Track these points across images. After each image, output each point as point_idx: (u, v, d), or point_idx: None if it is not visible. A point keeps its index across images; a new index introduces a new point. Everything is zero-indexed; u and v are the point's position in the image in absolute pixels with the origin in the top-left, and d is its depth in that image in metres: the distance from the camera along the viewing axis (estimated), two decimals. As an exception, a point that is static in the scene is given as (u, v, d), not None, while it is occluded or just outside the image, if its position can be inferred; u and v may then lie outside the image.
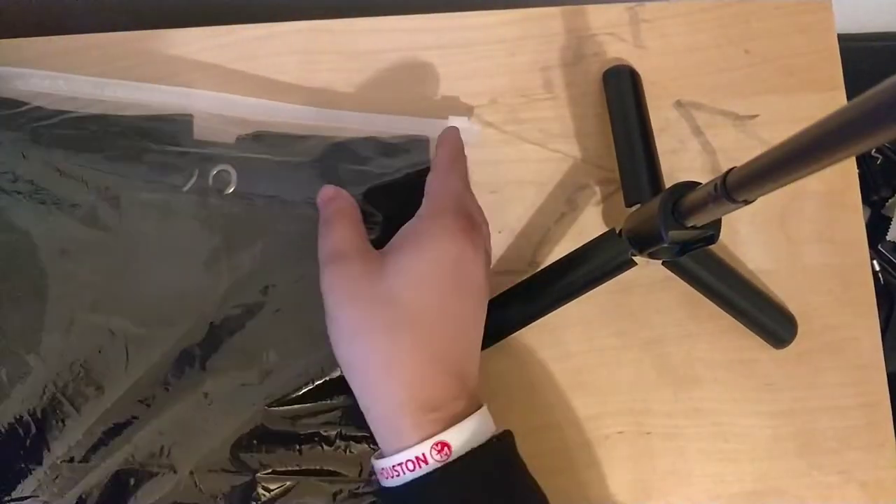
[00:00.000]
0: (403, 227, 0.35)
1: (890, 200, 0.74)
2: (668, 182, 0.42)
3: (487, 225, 0.38)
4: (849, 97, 0.47)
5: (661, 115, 0.46)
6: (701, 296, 0.43)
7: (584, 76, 0.46)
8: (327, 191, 0.37)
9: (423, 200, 0.36)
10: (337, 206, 0.36)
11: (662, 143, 0.44)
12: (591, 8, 0.46)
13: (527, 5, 0.46)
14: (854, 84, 0.46)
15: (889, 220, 0.74)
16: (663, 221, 0.33)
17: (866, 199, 0.75)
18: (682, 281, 0.42)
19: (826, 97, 0.46)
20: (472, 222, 0.35)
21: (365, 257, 0.34)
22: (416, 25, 0.46)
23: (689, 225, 0.33)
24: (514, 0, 0.48)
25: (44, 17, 0.52)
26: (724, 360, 0.44)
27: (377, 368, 0.32)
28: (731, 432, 0.43)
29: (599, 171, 0.45)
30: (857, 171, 0.46)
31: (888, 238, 0.74)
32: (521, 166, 0.45)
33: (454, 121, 0.42)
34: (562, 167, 0.45)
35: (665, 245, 0.34)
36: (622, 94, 0.44)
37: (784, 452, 0.43)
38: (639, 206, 0.39)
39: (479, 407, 0.33)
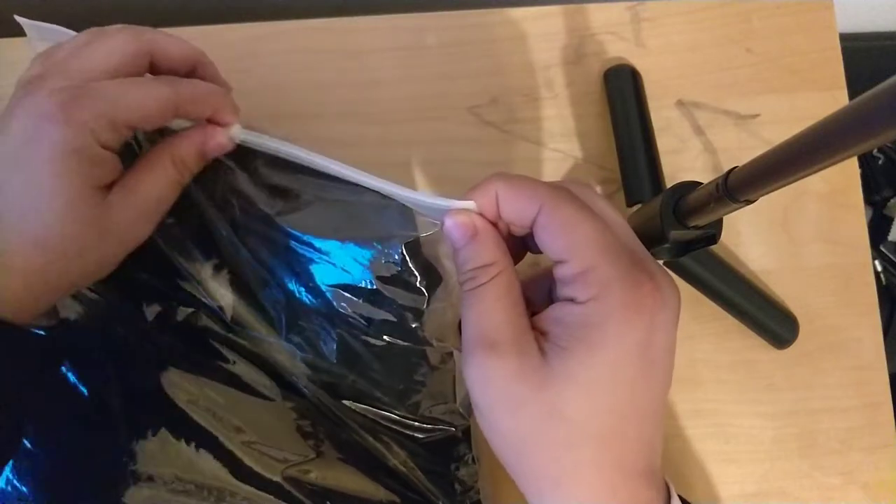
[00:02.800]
0: (559, 310, 0.27)
1: (892, 201, 0.74)
2: (670, 182, 0.41)
3: (667, 274, 0.28)
4: (850, 98, 0.47)
5: (662, 115, 0.45)
6: (702, 296, 0.43)
7: (584, 75, 0.46)
8: (484, 247, 0.28)
9: (560, 271, 0.27)
10: (496, 277, 0.27)
11: (663, 143, 0.44)
12: (591, 7, 0.46)
13: (527, 5, 0.46)
14: (855, 84, 0.46)
15: (891, 220, 0.74)
16: (664, 221, 0.33)
17: (868, 200, 0.75)
18: (683, 281, 0.42)
19: (828, 96, 0.46)
20: (647, 284, 0.26)
21: (523, 351, 0.26)
22: (417, 24, 0.45)
23: (691, 225, 0.33)
24: (515, 0, 0.48)
25: (43, 18, 0.52)
26: (725, 361, 0.44)
27: (551, 484, 0.26)
28: (733, 433, 0.43)
29: (600, 170, 0.45)
30: (859, 171, 0.46)
31: (890, 238, 0.74)
32: (522, 166, 0.45)
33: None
34: (562, 167, 0.45)
35: (666, 245, 0.34)
36: (623, 94, 0.44)
37: (786, 453, 0.43)
38: (640, 205, 0.39)
39: (668, 491, 0.28)
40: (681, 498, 0.28)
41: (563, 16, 0.46)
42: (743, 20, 0.47)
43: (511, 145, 0.45)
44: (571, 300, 0.26)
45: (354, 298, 0.34)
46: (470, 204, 0.28)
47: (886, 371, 0.44)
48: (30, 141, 0.28)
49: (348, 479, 0.35)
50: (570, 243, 0.26)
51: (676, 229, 0.33)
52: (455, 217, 0.28)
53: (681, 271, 0.42)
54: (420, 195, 0.29)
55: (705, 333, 0.44)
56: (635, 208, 0.40)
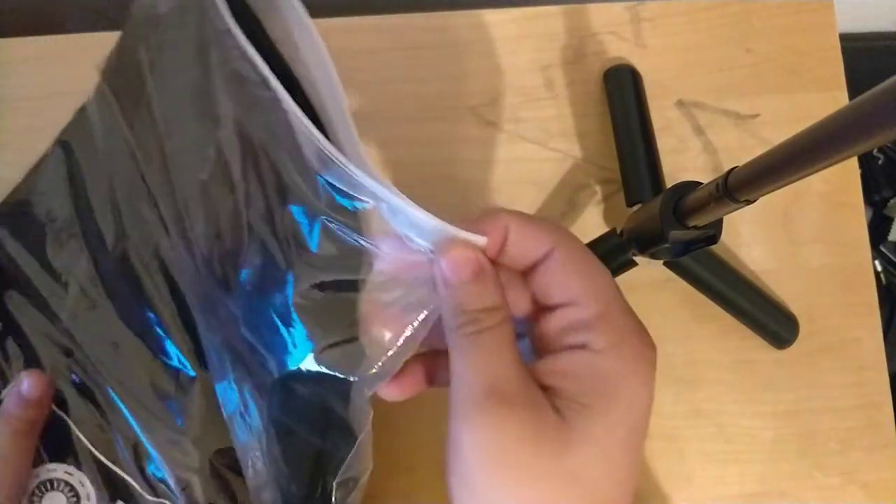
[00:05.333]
0: (569, 359, 0.24)
1: (892, 201, 0.74)
2: (670, 182, 0.41)
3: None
4: (850, 98, 0.47)
5: (662, 115, 0.45)
6: (702, 296, 0.43)
7: (584, 75, 0.46)
8: (493, 288, 0.25)
9: (571, 314, 0.25)
10: (503, 323, 0.25)
11: (663, 143, 0.44)
12: (591, 7, 0.46)
13: (527, 4, 0.46)
14: (855, 84, 0.46)
15: (891, 220, 0.74)
16: (665, 221, 0.33)
17: (868, 200, 0.74)
18: (683, 281, 0.42)
19: (828, 96, 0.46)
20: (647, 337, 0.25)
21: (537, 406, 0.24)
22: (417, 24, 0.45)
23: (691, 225, 0.33)
24: (515, 0, 0.48)
25: (44, 17, 0.52)
26: (725, 361, 0.44)
27: None
28: (733, 433, 0.43)
29: (600, 170, 0.45)
30: (859, 170, 0.46)
31: (890, 238, 0.74)
32: (522, 166, 0.45)
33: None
34: (562, 167, 0.45)
35: (666, 245, 0.34)
36: (623, 94, 0.44)
37: (786, 453, 0.43)
38: (640, 205, 0.39)
39: None
40: None
41: (563, 16, 0.46)
42: (743, 20, 0.47)
43: (511, 145, 0.45)
44: (583, 347, 0.24)
45: None
46: (482, 240, 0.25)
47: (886, 371, 0.44)
48: None
49: None
50: (588, 286, 0.25)
51: (676, 229, 0.33)
52: (462, 250, 0.25)
53: (681, 271, 0.42)
54: (418, 212, 0.25)
55: (705, 333, 0.44)
56: (635, 208, 0.40)
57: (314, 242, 0.29)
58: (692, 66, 0.46)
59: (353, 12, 0.45)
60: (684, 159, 0.45)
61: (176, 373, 0.37)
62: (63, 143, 0.40)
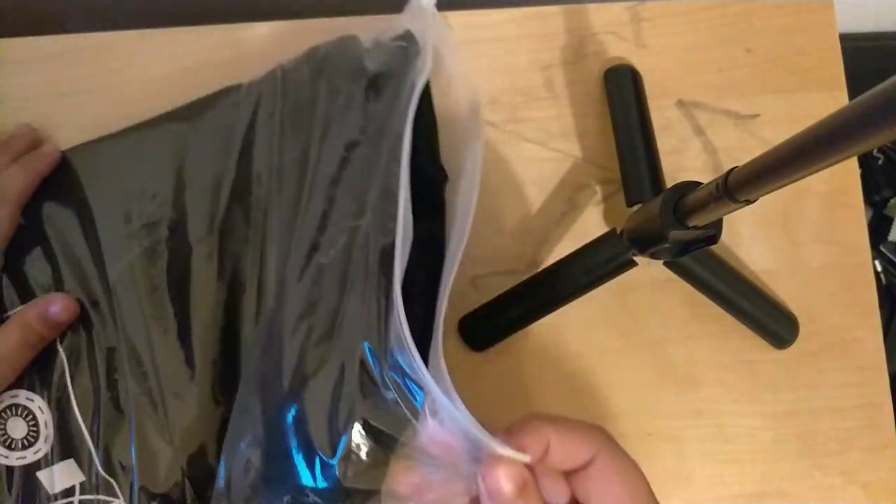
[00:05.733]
0: None
1: (892, 201, 0.74)
2: (670, 182, 0.41)
3: None
4: (850, 98, 0.47)
5: (662, 115, 0.45)
6: (702, 296, 0.43)
7: (584, 75, 0.46)
8: (522, 499, 0.27)
9: None
10: None
11: (663, 143, 0.44)
12: (591, 7, 0.46)
13: (527, 4, 0.46)
14: (855, 84, 0.46)
15: (891, 220, 0.74)
16: (664, 221, 0.33)
17: (868, 200, 0.74)
18: (683, 281, 0.42)
19: (828, 96, 0.46)
20: None
21: None
22: (417, 25, 0.45)
23: (691, 225, 0.32)
24: (515, 0, 0.48)
25: (44, 17, 0.52)
26: (725, 361, 0.44)
27: None
28: (733, 433, 0.43)
29: (600, 170, 0.45)
30: (858, 171, 0.46)
31: (890, 238, 0.74)
32: (522, 166, 0.45)
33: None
34: (562, 167, 0.45)
35: (666, 245, 0.34)
36: (623, 94, 0.44)
37: (785, 454, 0.43)
38: (640, 205, 0.39)
39: None
40: None
41: (563, 16, 0.46)
42: (743, 20, 0.47)
43: (511, 145, 0.45)
44: None
45: None
46: (525, 458, 0.26)
47: (886, 371, 0.44)
48: None
49: None
50: (628, 491, 0.27)
51: (676, 229, 0.33)
52: (507, 467, 0.26)
53: (681, 271, 0.42)
54: (472, 426, 0.26)
55: (705, 333, 0.44)
56: (635, 208, 0.40)
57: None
58: (692, 66, 0.46)
59: (353, 13, 0.45)
60: (684, 159, 0.45)
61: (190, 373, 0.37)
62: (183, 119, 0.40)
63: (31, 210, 0.39)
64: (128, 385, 0.36)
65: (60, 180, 0.40)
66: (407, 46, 0.37)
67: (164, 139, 0.40)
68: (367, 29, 0.39)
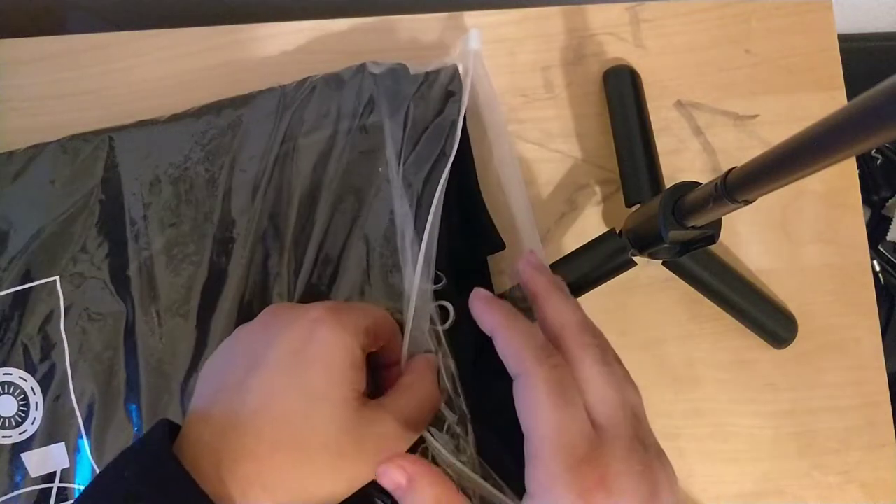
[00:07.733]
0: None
1: (890, 201, 0.74)
2: (669, 182, 0.42)
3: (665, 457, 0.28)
4: (848, 98, 0.47)
5: (661, 115, 0.45)
6: (701, 296, 0.43)
7: (584, 76, 0.46)
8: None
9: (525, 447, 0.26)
10: None
11: (663, 143, 0.44)
12: (591, 8, 0.46)
13: (527, 5, 0.46)
14: (854, 84, 0.46)
15: (889, 220, 0.74)
16: (664, 221, 0.33)
17: (867, 200, 0.75)
18: (682, 281, 0.42)
19: (826, 97, 0.46)
20: (600, 479, 0.24)
21: None
22: (417, 25, 0.45)
23: (690, 225, 0.33)
24: (515, 0, 0.48)
25: (44, 17, 0.52)
26: (724, 361, 0.44)
27: None
28: (732, 433, 0.43)
29: (599, 171, 0.45)
30: (857, 171, 0.46)
31: (888, 238, 0.74)
32: (522, 166, 0.45)
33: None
34: (562, 167, 0.45)
35: (665, 245, 0.34)
36: (622, 94, 0.44)
37: (784, 453, 0.43)
38: (639, 206, 0.39)
39: None
40: None
41: (562, 16, 0.46)
42: (742, 21, 0.47)
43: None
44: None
45: None
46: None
47: (885, 371, 0.44)
48: (301, 343, 0.28)
49: None
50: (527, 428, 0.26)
51: (675, 229, 0.33)
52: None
53: (680, 271, 0.42)
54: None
55: (704, 333, 0.44)
56: (635, 208, 0.40)
57: None
58: (691, 66, 0.46)
59: (354, 13, 0.45)
60: (683, 160, 0.45)
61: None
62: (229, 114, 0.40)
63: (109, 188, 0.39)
64: (135, 378, 0.36)
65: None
66: (454, 93, 0.39)
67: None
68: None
